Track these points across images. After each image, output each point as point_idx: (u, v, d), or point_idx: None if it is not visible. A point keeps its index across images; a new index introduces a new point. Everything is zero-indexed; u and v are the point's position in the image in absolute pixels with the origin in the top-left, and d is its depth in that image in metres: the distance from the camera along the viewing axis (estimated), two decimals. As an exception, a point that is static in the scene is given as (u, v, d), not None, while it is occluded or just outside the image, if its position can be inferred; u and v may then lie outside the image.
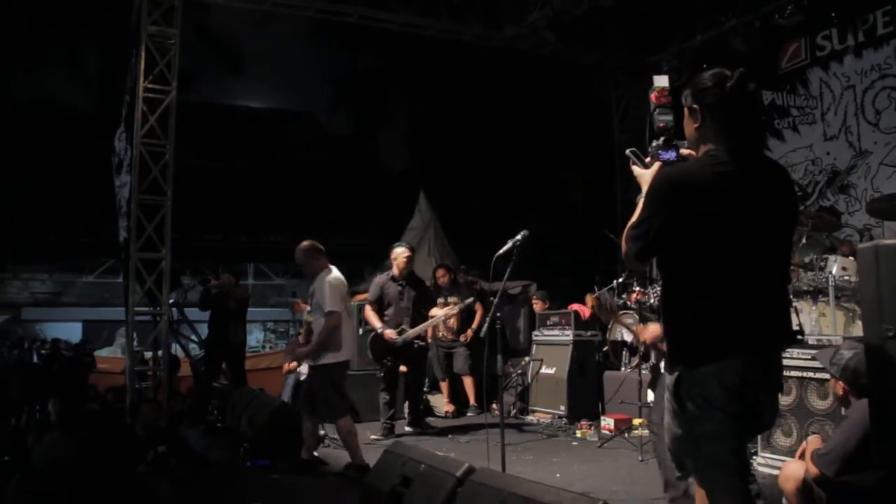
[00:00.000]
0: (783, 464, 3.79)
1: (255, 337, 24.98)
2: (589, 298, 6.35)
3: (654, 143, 2.98)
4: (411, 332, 7.88)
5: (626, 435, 7.24)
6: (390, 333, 7.84)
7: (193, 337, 10.30)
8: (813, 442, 3.62)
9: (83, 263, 23.53)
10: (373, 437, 7.73)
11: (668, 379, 2.75)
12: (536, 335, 9.60)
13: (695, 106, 2.77)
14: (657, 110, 3.04)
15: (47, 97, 18.93)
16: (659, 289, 8.19)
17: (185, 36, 9.39)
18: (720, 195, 2.62)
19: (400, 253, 8.18)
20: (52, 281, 24.14)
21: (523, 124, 16.11)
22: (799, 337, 5.78)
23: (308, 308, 7.01)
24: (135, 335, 9.29)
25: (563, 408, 8.73)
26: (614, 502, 4.82)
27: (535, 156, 15.91)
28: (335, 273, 6.21)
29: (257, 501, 5.31)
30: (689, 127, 2.83)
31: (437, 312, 8.61)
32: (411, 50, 14.89)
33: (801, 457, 3.62)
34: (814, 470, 3.36)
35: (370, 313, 8.07)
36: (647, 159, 2.98)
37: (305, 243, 6.31)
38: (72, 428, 6.73)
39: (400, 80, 18.51)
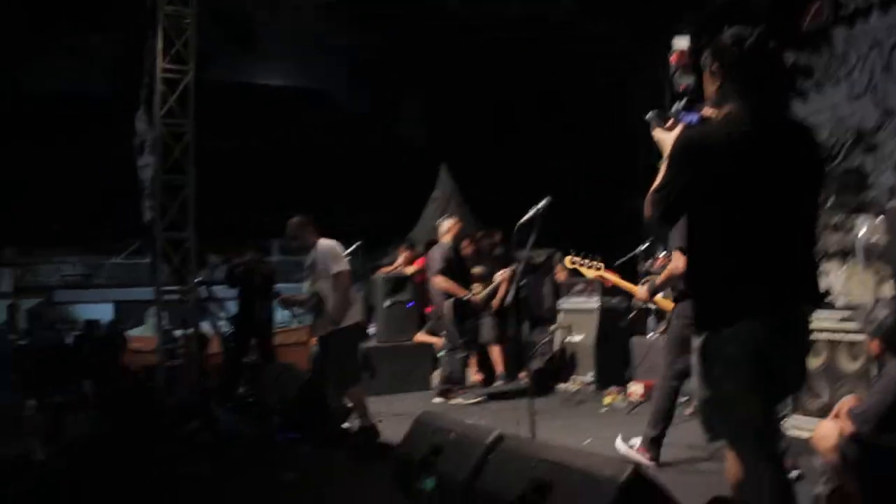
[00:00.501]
0: (817, 423, 3.78)
1: (282, 312, 25.13)
2: (567, 260, 6.55)
3: (675, 106, 2.96)
4: (485, 293, 8.48)
5: (654, 401, 7.23)
6: (476, 298, 8.42)
7: (222, 314, 10.39)
8: (849, 402, 3.60)
9: (111, 245, 23.75)
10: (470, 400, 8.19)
11: (695, 342, 2.75)
12: (562, 303, 9.61)
13: (715, 66, 2.75)
14: (677, 72, 3.02)
15: (67, 82, 19.01)
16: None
17: (201, 16, 9.38)
18: (740, 156, 2.60)
19: (454, 223, 8.62)
20: (81, 263, 24.41)
21: (542, 92, 15.97)
22: (826, 299, 5.75)
23: (307, 284, 7.04)
24: (165, 314, 9.39)
25: (591, 374, 8.76)
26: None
27: (556, 123, 15.78)
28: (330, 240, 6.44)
29: (290, 473, 5.38)
30: (710, 88, 2.80)
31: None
32: (426, 26, 14.80)
33: (836, 417, 3.60)
34: (849, 427, 3.35)
35: (447, 283, 8.29)
36: (669, 122, 2.96)
37: (297, 217, 6.46)
38: (107, 406, 6.86)
39: (416, 56, 18.38)
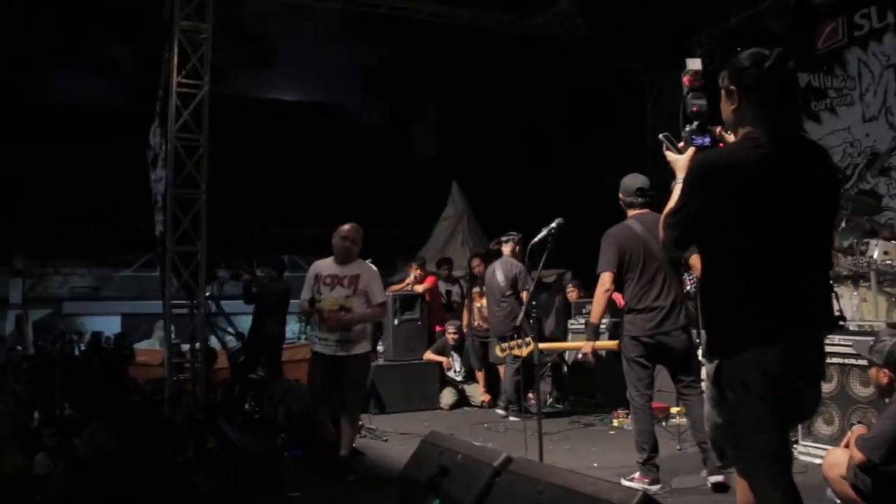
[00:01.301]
0: (827, 451, 3.73)
1: (290, 329, 25.08)
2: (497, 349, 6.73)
3: (687, 128, 2.94)
4: None
5: (664, 424, 7.18)
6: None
7: (230, 329, 10.38)
8: (858, 430, 3.56)
9: (121, 258, 23.84)
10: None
11: (708, 367, 2.71)
12: (573, 323, 9.56)
13: (732, 87, 2.71)
14: (690, 94, 2.99)
15: (82, 94, 19.17)
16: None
17: (216, 30, 9.45)
18: (759, 179, 2.57)
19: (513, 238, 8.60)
20: (91, 275, 24.50)
21: (555, 110, 16.00)
22: (840, 323, 5.69)
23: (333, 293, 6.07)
24: (172, 328, 9.40)
25: (599, 396, 8.70)
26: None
27: (568, 142, 15.80)
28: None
29: (295, 492, 5.34)
30: (727, 109, 2.77)
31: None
32: (440, 40, 14.86)
33: (847, 446, 3.55)
34: (858, 455, 3.31)
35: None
36: (681, 144, 2.94)
37: (356, 226, 6.04)
38: (110, 419, 6.84)
39: (429, 71, 18.46)
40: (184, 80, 9.13)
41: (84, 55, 18.05)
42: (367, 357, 6.00)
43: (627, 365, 5.33)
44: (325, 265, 5.97)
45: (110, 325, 20.58)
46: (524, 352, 6.26)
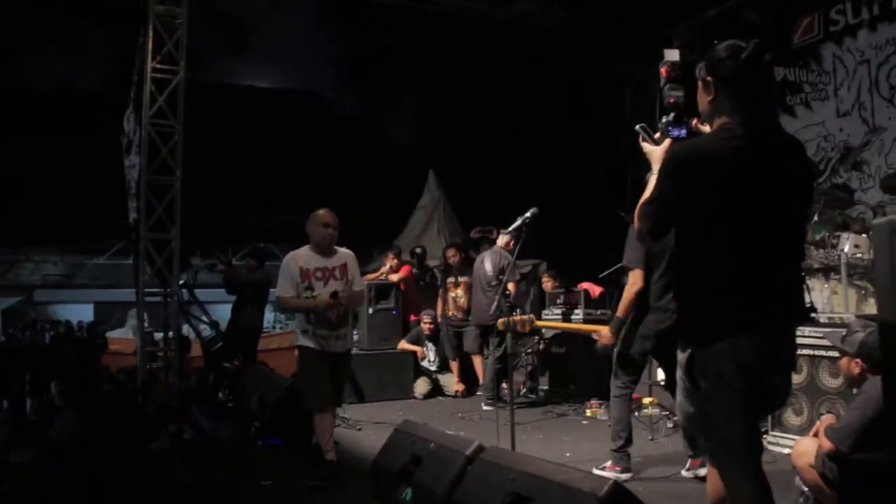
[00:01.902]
0: (796, 441, 3.77)
1: (265, 318, 25.03)
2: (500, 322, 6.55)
3: (663, 119, 2.94)
4: None
5: (637, 414, 7.21)
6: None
7: (204, 317, 10.32)
8: (827, 420, 3.60)
9: (94, 245, 23.60)
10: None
11: (681, 357, 2.73)
12: (546, 314, 9.59)
13: (709, 78, 2.72)
14: (667, 85, 2.99)
15: (55, 80, 18.90)
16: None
17: (192, 16, 9.35)
18: (734, 169, 2.58)
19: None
20: (63, 263, 24.23)
21: (532, 101, 16.01)
22: (811, 315, 5.76)
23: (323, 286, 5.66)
24: (146, 316, 9.32)
25: (572, 387, 8.74)
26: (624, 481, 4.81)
27: (545, 132, 15.82)
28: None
29: (267, 481, 5.33)
30: (703, 100, 2.78)
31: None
32: (418, 28, 14.81)
33: (815, 435, 3.59)
34: (827, 444, 3.34)
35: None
36: (657, 135, 2.94)
37: (331, 210, 5.62)
38: (83, 407, 6.78)
39: (407, 59, 18.40)
40: (159, 66, 9.03)
41: (56, 39, 17.79)
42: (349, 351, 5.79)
43: (626, 358, 5.27)
44: (308, 257, 5.48)
45: (83, 314, 20.41)
46: (527, 327, 6.23)
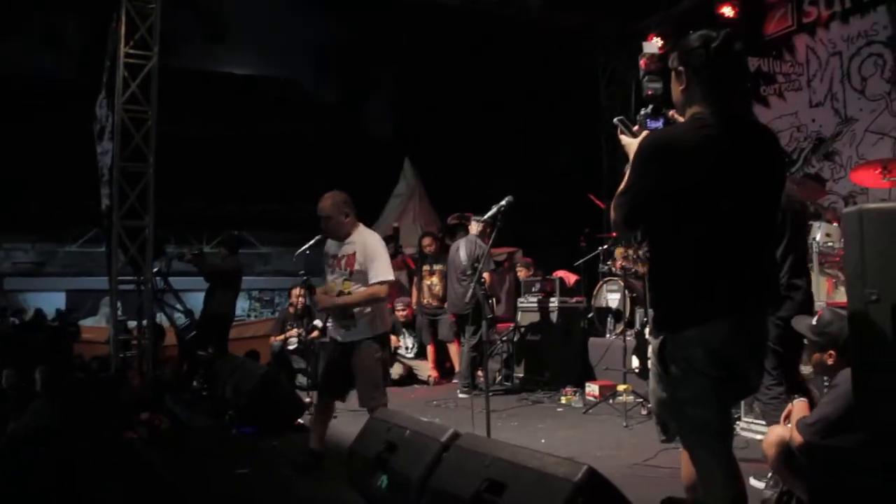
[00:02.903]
0: (768, 429, 3.80)
1: (240, 306, 24.88)
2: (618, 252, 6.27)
3: (641, 112, 2.96)
4: None
5: (611, 401, 7.29)
6: None
7: (178, 306, 10.25)
8: (798, 405, 3.61)
9: (66, 232, 23.32)
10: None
11: (653, 343, 2.75)
12: (522, 302, 9.63)
13: (681, 68, 2.75)
14: (646, 78, 3.01)
15: (26, 65, 18.64)
16: (643, 255, 8.22)
17: (167, 1, 9.24)
18: (706, 158, 2.60)
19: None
20: (34, 251, 23.91)
21: (509, 91, 16.03)
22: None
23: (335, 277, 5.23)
24: (119, 304, 9.24)
25: (547, 374, 8.79)
26: (599, 468, 4.85)
27: (521, 122, 15.84)
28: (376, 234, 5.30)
29: (243, 469, 5.31)
30: (676, 89, 2.80)
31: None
32: (396, 18, 14.76)
33: (787, 419, 3.62)
34: (798, 438, 3.36)
35: None
36: (635, 128, 2.96)
37: (335, 193, 5.24)
38: (56, 396, 6.72)
39: (385, 48, 18.34)
40: (132, 51, 8.91)
41: (27, 24, 17.52)
42: (369, 343, 5.00)
43: None
44: (331, 242, 5.25)
45: (55, 302, 20.15)
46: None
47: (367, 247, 5.04)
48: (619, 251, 6.37)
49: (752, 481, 4.01)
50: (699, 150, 2.60)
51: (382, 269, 5.00)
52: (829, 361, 3.60)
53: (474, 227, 8.61)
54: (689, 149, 2.61)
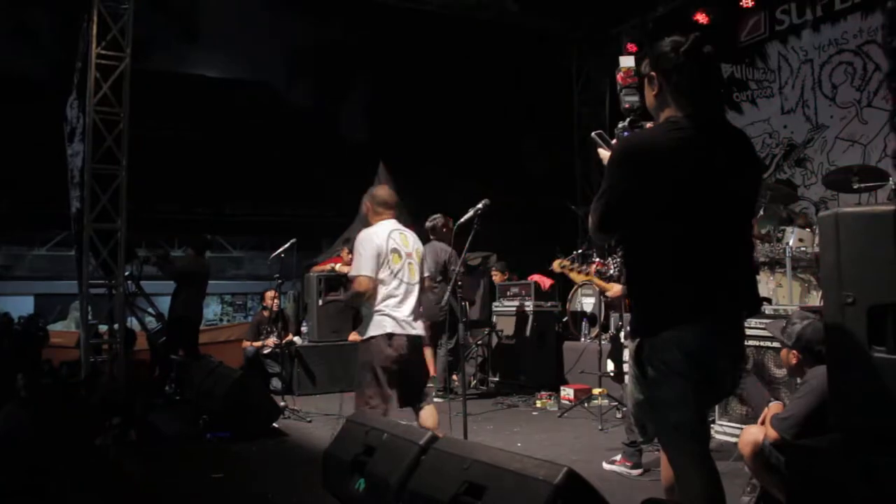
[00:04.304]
0: (743, 428, 3.84)
1: (212, 310, 24.76)
2: (556, 263, 6.44)
3: (619, 125, 2.99)
4: None
5: (586, 405, 7.32)
6: None
7: (150, 310, 10.15)
8: (774, 408, 3.67)
9: (34, 236, 23.00)
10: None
11: (630, 345, 2.76)
12: (497, 306, 9.64)
13: (653, 73, 2.78)
14: (623, 91, 3.04)
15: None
16: (619, 259, 8.26)
17: (139, 2, 9.15)
18: (681, 160, 2.62)
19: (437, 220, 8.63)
20: (1, 254, 23.57)
21: (484, 95, 16.03)
22: (766, 306, 5.88)
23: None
24: (89, 308, 9.11)
25: (522, 378, 8.80)
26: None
27: (496, 126, 15.86)
28: (371, 228, 5.16)
29: (217, 473, 5.27)
30: (649, 95, 2.82)
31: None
32: (371, 21, 14.71)
33: (762, 423, 3.67)
34: (773, 434, 3.41)
35: None
36: (614, 142, 2.99)
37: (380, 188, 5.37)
38: (26, 401, 6.62)
39: (359, 52, 18.27)
40: (104, 52, 8.81)
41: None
42: (365, 342, 4.96)
43: None
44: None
45: (23, 306, 19.85)
46: (580, 278, 6.20)
47: (356, 244, 5.08)
48: (556, 262, 6.40)
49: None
50: (673, 153, 2.62)
51: (354, 266, 4.97)
52: (793, 361, 3.69)
53: (431, 234, 8.55)
54: (663, 151, 2.62)
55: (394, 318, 4.87)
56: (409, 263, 5.04)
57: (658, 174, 2.61)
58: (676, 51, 2.70)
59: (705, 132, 2.68)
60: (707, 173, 2.64)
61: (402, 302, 4.95)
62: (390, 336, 4.84)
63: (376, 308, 4.87)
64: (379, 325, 4.86)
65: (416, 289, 5.07)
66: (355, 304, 5.07)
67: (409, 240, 5.12)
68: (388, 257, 4.92)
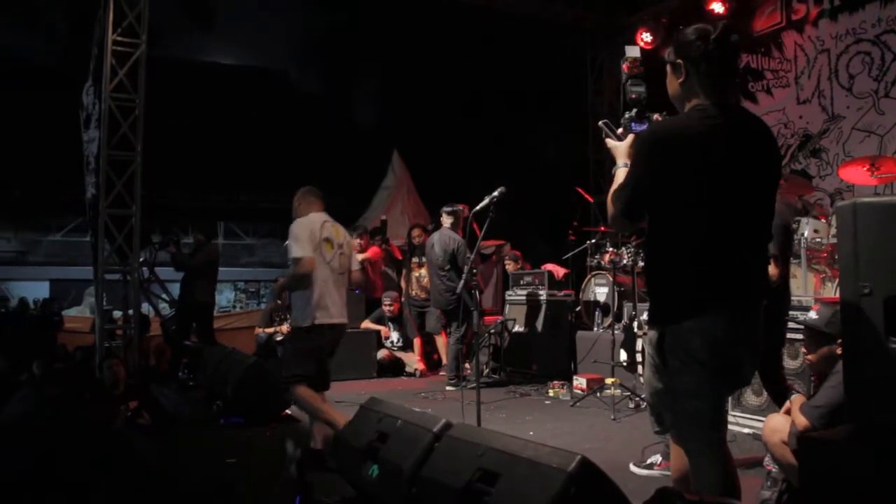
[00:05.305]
0: (767, 417, 3.81)
1: (225, 297, 24.88)
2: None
3: (626, 115, 2.97)
4: None
5: (599, 394, 7.31)
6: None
7: (164, 296, 10.20)
8: (798, 399, 3.62)
9: (49, 222, 23.15)
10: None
11: (651, 334, 2.76)
12: (510, 294, 9.65)
13: (678, 61, 2.75)
14: (629, 81, 3.02)
15: (10, 49, 18.41)
16: (632, 249, 8.25)
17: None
18: (711, 148, 2.61)
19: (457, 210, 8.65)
20: (17, 240, 23.73)
21: (497, 83, 16.01)
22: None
23: None
24: (104, 294, 9.17)
25: (535, 367, 8.81)
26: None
27: (509, 115, 15.83)
28: (304, 217, 5.37)
29: (232, 458, 5.29)
30: (673, 83, 2.80)
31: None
32: (384, 7, 14.70)
33: (788, 413, 3.62)
34: (803, 421, 3.35)
35: None
36: (620, 131, 2.97)
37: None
38: (41, 386, 6.67)
39: (372, 39, 18.26)
40: (119, 39, 8.83)
41: (12, 7, 17.27)
42: (307, 330, 5.20)
43: None
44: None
45: (38, 292, 20.00)
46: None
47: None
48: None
49: None
50: (706, 140, 2.61)
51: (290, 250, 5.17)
52: (839, 351, 3.58)
53: (446, 220, 8.59)
54: (696, 138, 2.62)
55: (325, 308, 5.13)
56: (341, 254, 5.34)
57: (691, 161, 2.61)
58: (705, 39, 2.68)
59: (734, 120, 2.68)
60: (737, 161, 2.63)
61: (333, 290, 5.24)
62: (323, 325, 5.14)
63: (311, 295, 5.12)
64: (317, 313, 5.13)
65: (344, 279, 5.40)
66: (298, 287, 5.18)
67: (340, 231, 5.44)
68: (322, 246, 5.22)
